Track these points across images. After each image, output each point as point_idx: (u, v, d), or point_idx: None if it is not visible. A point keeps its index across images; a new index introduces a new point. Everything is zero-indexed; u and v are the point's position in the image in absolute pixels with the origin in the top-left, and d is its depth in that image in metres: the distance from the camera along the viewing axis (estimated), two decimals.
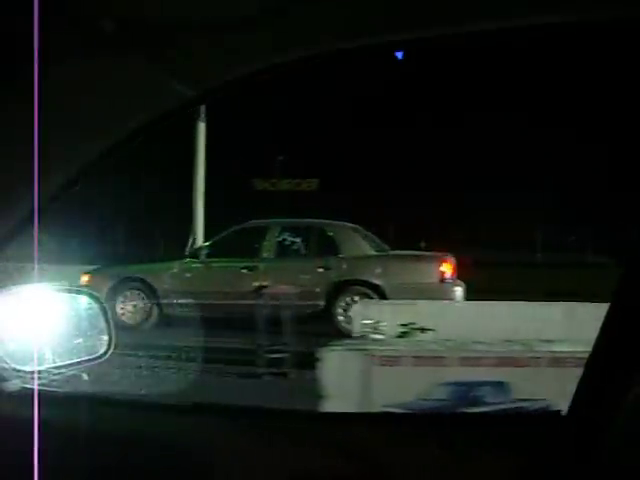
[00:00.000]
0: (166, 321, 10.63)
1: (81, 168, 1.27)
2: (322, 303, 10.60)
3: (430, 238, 12.53)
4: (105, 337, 1.57)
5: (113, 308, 10.65)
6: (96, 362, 1.57)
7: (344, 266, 10.86)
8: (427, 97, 24.99)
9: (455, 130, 25.01)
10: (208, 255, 11.18)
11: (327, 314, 10.53)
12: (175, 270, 11.13)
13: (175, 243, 19.80)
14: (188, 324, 9.82)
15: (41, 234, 1.29)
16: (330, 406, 5.22)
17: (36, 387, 1.38)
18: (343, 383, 5.48)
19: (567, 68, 20.91)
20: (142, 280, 10.99)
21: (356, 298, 10.37)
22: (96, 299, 1.58)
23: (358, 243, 11.19)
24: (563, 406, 1.25)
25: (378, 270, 10.78)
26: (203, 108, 13.71)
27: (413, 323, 7.50)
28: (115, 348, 1.56)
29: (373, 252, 11.17)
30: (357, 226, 11.59)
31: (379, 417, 1.53)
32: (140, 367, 7.74)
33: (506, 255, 17.72)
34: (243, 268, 10.94)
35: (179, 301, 10.65)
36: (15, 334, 1.45)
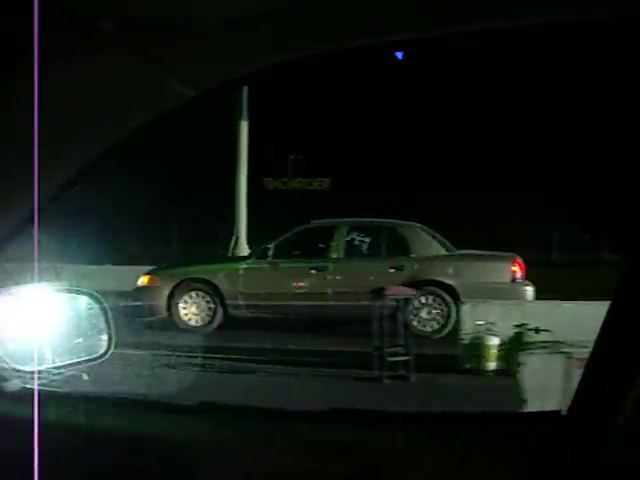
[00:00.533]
0: (232, 323, 10.41)
1: (81, 168, 1.27)
2: (394, 304, 10.46)
3: (452, 238, 12.37)
4: (105, 337, 1.57)
5: (176, 308, 10.54)
6: (96, 362, 1.57)
7: (416, 266, 10.63)
8: (439, 98, 25.02)
9: (474, 131, 24.99)
10: (274, 256, 10.87)
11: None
12: (241, 271, 10.88)
13: (187, 242, 19.85)
14: (262, 326, 9.70)
15: (41, 234, 1.29)
16: (531, 408, 5.22)
17: (36, 387, 1.38)
18: (545, 386, 5.46)
19: (574, 66, 20.88)
20: (206, 281, 10.73)
21: (423, 299, 10.27)
22: (96, 299, 1.58)
23: (428, 243, 10.97)
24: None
25: (450, 270, 10.57)
26: (245, 107, 13.31)
27: (525, 324, 7.59)
28: (115, 348, 1.56)
29: (444, 252, 10.94)
30: (424, 226, 11.34)
31: (379, 417, 1.52)
32: (255, 373, 7.53)
33: (525, 253, 17.64)
34: (312, 268, 10.73)
35: (246, 302, 10.49)
36: (15, 334, 1.45)
